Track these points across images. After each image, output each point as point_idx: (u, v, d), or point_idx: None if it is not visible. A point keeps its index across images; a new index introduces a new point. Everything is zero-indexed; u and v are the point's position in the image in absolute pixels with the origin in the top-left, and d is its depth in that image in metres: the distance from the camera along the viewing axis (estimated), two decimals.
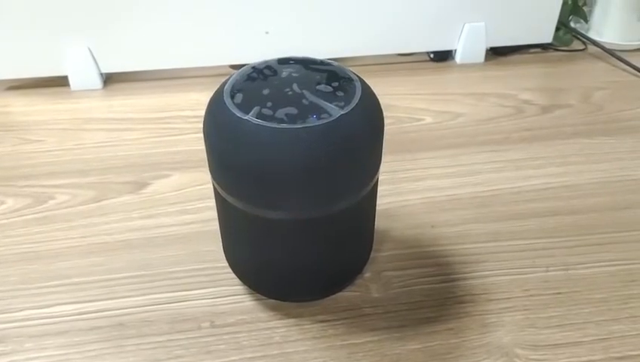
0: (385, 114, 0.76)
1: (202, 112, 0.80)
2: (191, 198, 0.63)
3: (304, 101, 0.41)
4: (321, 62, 0.47)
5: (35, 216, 0.61)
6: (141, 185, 0.65)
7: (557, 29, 0.88)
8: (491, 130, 0.73)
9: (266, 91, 0.43)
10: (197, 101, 0.79)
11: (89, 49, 0.79)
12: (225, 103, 0.42)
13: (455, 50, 0.87)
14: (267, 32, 0.81)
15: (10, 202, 0.62)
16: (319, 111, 0.41)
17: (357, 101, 0.42)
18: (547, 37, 0.88)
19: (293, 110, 0.41)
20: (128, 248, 0.57)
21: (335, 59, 0.84)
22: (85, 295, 0.52)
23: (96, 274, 0.54)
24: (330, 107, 0.41)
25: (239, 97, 0.42)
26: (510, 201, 0.62)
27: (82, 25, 0.77)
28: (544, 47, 0.91)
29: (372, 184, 0.45)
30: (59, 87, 0.82)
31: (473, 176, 0.65)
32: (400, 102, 0.78)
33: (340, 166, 0.40)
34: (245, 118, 0.40)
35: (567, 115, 0.76)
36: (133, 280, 0.53)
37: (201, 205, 0.62)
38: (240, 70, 0.46)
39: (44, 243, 0.58)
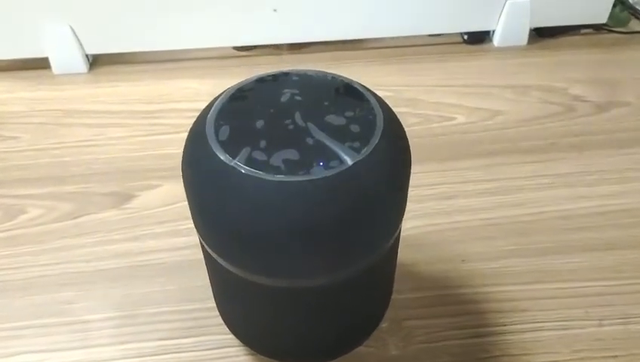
0: (410, 110, 0.66)
1: (200, 105, 0.70)
2: (183, 216, 0.54)
3: (308, 140, 0.32)
4: (333, 79, 0.37)
5: (3, 234, 0.53)
6: (126, 197, 0.56)
7: (612, 5, 0.75)
8: (535, 134, 0.62)
9: (259, 123, 0.33)
10: (194, 91, 0.69)
11: (71, 27, 0.69)
12: (207, 140, 0.32)
13: (493, 31, 0.75)
14: (275, 10, 0.70)
15: None
16: (327, 155, 0.31)
17: (377, 139, 0.32)
18: (602, 16, 0.75)
19: (293, 153, 0.31)
20: (107, 280, 0.49)
21: (353, 42, 0.71)
22: (55, 341, 0.45)
23: (68, 314, 0.46)
24: (342, 149, 0.31)
25: (225, 131, 0.33)
26: (557, 229, 0.52)
27: (63, 0, 0.67)
28: (596, 27, 0.78)
29: (393, 240, 0.36)
30: (41, 70, 0.73)
31: (513, 194, 0.55)
32: (428, 95, 0.67)
33: (352, 229, 0.31)
34: (231, 163, 0.31)
35: (625, 115, 0.64)
36: (110, 323, 0.46)
37: (193, 225, 0.53)
38: (228, 89, 0.36)
39: (12, 270, 0.50)
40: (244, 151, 0.31)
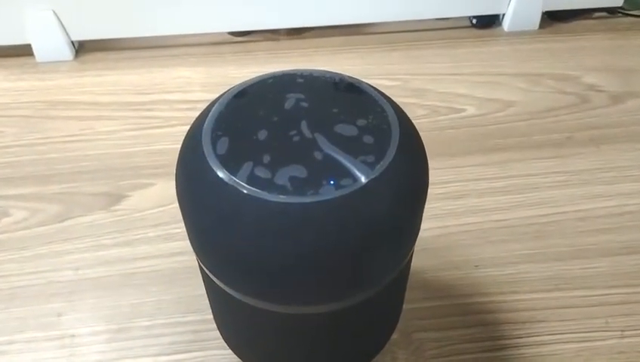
0: (418, 102, 0.63)
1: (193, 96, 0.66)
2: (178, 218, 0.49)
3: (316, 154, 0.28)
4: (341, 80, 0.33)
5: None
6: (116, 197, 0.53)
7: None
8: (550, 127, 0.59)
9: (262, 134, 0.29)
10: (187, 80, 0.65)
11: (54, 12, 0.64)
12: (203, 153, 0.29)
13: (503, 15, 0.71)
14: None
15: None
16: (338, 172, 0.28)
17: (394, 153, 0.29)
18: None
19: (300, 170, 0.28)
20: (97, 289, 0.46)
21: (355, 26, 0.67)
22: (40, 358, 0.42)
23: (54, 328, 0.43)
24: (355, 165, 0.28)
25: (224, 144, 0.29)
26: (575, 231, 0.49)
27: None
28: (611, 10, 0.74)
29: (407, 259, 0.33)
30: (24, 57, 0.68)
31: (528, 192, 0.52)
32: (436, 85, 0.63)
33: (365, 255, 0.28)
34: (231, 182, 0.27)
35: None
36: (100, 338, 0.43)
37: None
38: (226, 93, 0.32)
39: None
40: (246, 168, 0.28)
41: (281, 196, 0.27)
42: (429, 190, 0.54)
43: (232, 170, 0.28)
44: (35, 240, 0.49)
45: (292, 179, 0.27)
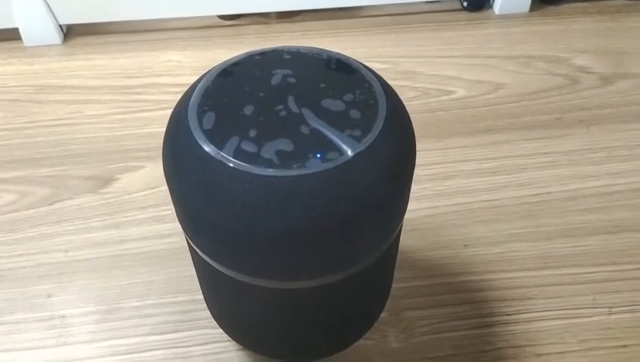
0: (408, 84, 0.63)
1: (182, 79, 0.66)
2: (167, 200, 0.50)
3: (303, 128, 0.28)
4: (329, 57, 0.33)
5: None
6: (105, 180, 0.53)
7: None
8: (539, 109, 0.59)
9: (248, 109, 0.29)
10: (177, 64, 0.64)
11: None
12: (189, 128, 0.29)
13: None
14: None
15: None
16: (325, 145, 0.28)
17: (380, 127, 0.29)
18: None
19: (287, 144, 0.28)
20: (86, 271, 0.46)
21: (346, 9, 0.67)
22: (29, 339, 0.42)
23: (44, 309, 0.43)
24: (341, 138, 0.28)
25: (210, 119, 0.29)
26: (563, 210, 0.49)
27: None
28: None
29: (394, 236, 0.33)
30: (11, 42, 0.68)
31: (517, 173, 0.52)
32: (426, 67, 0.63)
33: (352, 228, 0.28)
34: (218, 157, 0.27)
35: (632, 88, 0.61)
36: (89, 319, 0.43)
37: None
38: (212, 70, 0.32)
39: None
40: (232, 142, 0.28)
41: (268, 169, 0.27)
42: (418, 171, 0.54)
43: (219, 144, 0.28)
44: (25, 222, 0.49)
45: (279, 152, 0.27)
